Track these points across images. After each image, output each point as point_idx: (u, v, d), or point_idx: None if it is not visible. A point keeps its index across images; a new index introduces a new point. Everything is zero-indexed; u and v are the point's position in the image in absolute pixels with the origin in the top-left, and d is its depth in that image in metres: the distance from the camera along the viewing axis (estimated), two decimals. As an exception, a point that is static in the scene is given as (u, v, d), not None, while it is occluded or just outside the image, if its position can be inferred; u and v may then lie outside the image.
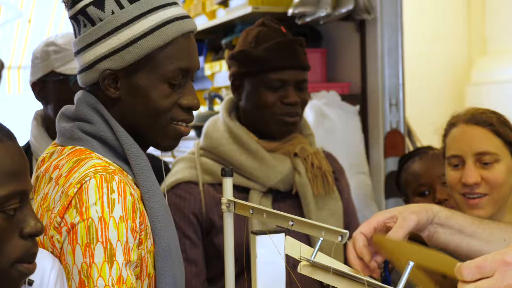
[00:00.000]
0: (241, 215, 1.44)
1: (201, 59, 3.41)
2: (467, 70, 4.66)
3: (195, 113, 2.96)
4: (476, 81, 4.56)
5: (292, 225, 1.32)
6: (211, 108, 3.01)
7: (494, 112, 2.00)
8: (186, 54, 1.49)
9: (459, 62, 4.67)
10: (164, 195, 2.01)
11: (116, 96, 1.48)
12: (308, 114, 2.69)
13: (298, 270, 1.31)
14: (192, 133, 2.95)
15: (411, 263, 1.14)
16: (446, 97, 4.53)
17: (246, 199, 2.05)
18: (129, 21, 1.46)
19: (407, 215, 1.40)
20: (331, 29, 3.03)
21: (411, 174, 2.41)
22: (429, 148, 2.50)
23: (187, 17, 1.52)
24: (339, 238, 1.21)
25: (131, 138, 1.48)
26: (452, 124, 1.96)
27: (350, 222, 2.25)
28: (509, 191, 1.95)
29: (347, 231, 1.20)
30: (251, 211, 1.42)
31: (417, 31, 4.51)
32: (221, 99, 2.97)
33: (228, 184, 1.51)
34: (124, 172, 1.47)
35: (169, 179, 2.13)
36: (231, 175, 1.52)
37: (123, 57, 1.45)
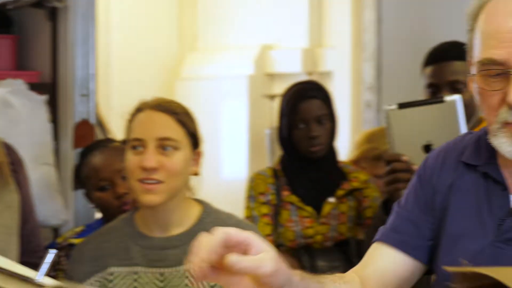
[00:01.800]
0: None
1: None
2: (177, 64, 4.75)
3: None
4: (186, 76, 4.66)
5: None
6: None
7: (179, 103, 2.05)
8: None
9: (169, 56, 4.75)
10: None
11: None
12: (-9, 102, 2.58)
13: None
14: None
15: (53, 251, 1.12)
16: (155, 91, 4.54)
17: None
18: None
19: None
20: (24, 15, 2.93)
21: (91, 168, 2.37)
22: (109, 140, 2.48)
23: None
24: None
25: None
26: (138, 109, 1.98)
27: (29, 214, 2.19)
28: (183, 183, 1.99)
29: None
30: None
31: (126, 23, 4.52)
32: None
33: None
34: None
35: None
36: None
37: None
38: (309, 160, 2.69)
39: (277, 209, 2.68)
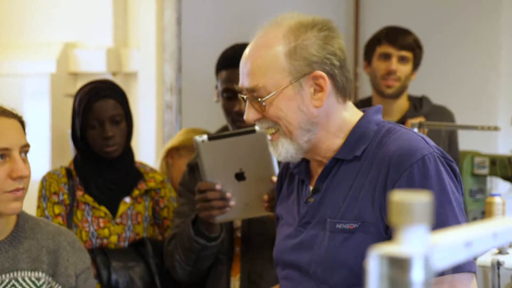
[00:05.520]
0: None
1: None
2: (-25, 61, 4.54)
3: None
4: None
5: None
6: None
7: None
8: None
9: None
10: None
11: None
12: None
13: None
14: None
15: None
16: (-49, 88, 4.36)
17: None
18: None
19: None
20: None
21: None
22: None
23: None
24: None
25: None
26: None
27: None
28: None
29: None
30: None
31: None
32: None
33: None
34: None
35: None
36: None
37: None
38: (104, 160, 2.66)
39: (71, 209, 2.63)
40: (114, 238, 2.65)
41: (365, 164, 1.64)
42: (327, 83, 1.66)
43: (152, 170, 2.82)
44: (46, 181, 2.67)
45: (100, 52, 4.11)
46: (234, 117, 2.41)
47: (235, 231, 2.47)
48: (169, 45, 3.75)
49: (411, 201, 0.60)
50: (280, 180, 1.90)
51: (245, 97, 1.72)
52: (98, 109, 2.61)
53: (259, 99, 1.67)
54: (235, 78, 2.41)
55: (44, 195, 2.63)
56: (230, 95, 2.42)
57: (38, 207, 2.63)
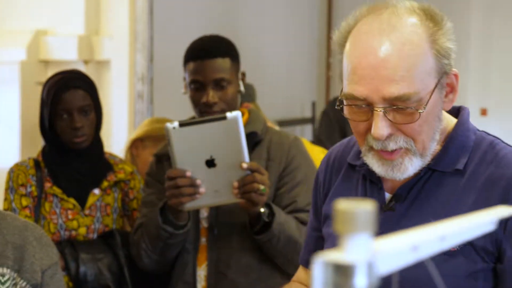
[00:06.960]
0: None
1: None
2: None
3: None
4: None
5: None
6: None
7: None
8: None
9: None
10: None
11: None
12: None
13: None
14: None
15: None
16: None
17: None
18: None
19: None
20: None
21: None
22: None
23: None
24: None
25: None
26: None
27: None
28: None
29: None
30: None
31: None
32: None
33: None
34: None
35: None
36: None
37: None
38: (73, 151, 2.65)
39: (39, 201, 2.62)
40: (83, 230, 2.64)
41: (467, 181, 1.42)
42: (458, 83, 1.43)
43: (122, 161, 2.82)
44: (13, 173, 2.65)
45: (72, 39, 4.07)
46: (202, 108, 2.41)
47: (201, 221, 2.48)
48: (141, 34, 3.73)
49: (354, 209, 0.61)
50: (324, 174, 1.66)
51: (378, 109, 1.35)
52: (67, 100, 2.60)
53: (418, 110, 1.34)
54: (203, 70, 2.41)
55: (12, 187, 2.62)
56: (198, 87, 2.42)
57: (5, 199, 2.61)
